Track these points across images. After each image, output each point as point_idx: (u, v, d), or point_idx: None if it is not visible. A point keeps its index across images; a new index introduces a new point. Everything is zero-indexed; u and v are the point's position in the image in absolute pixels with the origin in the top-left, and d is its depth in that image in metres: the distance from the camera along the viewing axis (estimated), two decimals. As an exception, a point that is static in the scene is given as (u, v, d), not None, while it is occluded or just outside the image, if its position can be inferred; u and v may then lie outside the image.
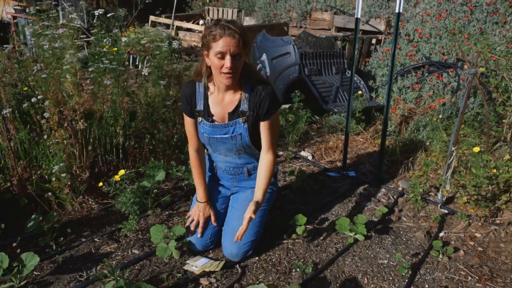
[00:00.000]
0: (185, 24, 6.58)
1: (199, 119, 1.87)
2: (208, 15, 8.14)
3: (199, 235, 1.92)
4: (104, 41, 2.17)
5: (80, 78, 2.25)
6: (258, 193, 1.84)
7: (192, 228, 1.94)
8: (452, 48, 3.97)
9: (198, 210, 1.97)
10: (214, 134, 1.85)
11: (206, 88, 1.84)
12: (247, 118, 1.80)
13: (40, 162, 2.31)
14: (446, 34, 4.14)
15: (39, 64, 1.99)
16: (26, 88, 2.45)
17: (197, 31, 6.39)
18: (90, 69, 2.08)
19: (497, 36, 3.89)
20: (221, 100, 1.83)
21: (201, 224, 1.93)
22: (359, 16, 2.57)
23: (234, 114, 1.82)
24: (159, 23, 6.55)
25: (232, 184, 2.03)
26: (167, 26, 6.55)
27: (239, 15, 7.66)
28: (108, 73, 2.12)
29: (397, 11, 2.34)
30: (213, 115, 1.84)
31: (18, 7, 8.52)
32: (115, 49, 2.17)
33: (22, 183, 2.21)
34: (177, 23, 6.58)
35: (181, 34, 6.41)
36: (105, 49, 2.10)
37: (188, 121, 1.91)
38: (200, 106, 1.84)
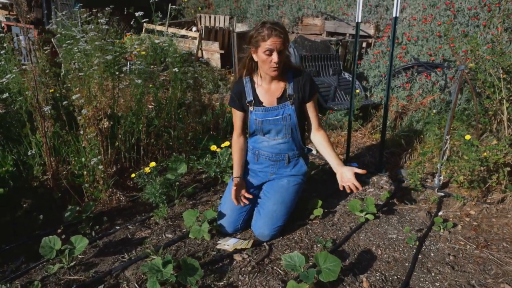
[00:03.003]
0: (179, 31, 6.78)
1: (251, 108, 2.12)
2: (200, 22, 8.35)
3: (248, 196, 2.09)
4: (135, 44, 2.37)
5: (104, 78, 2.43)
6: (334, 161, 2.09)
7: (241, 203, 2.09)
8: (439, 50, 4.29)
9: (234, 187, 2.08)
10: (267, 117, 2.10)
11: (253, 82, 2.12)
12: (294, 100, 2.09)
13: (70, 158, 2.47)
14: (432, 37, 4.47)
15: (77, 63, 2.16)
16: (52, 90, 2.61)
17: (190, 38, 6.61)
18: (124, 69, 2.27)
19: (478, 38, 4.23)
20: (268, 89, 2.11)
21: (243, 194, 2.09)
22: (359, 21, 2.84)
23: (282, 98, 2.10)
24: (153, 30, 6.72)
25: (271, 171, 2.23)
26: (161, 33, 6.73)
27: (231, 22, 7.90)
28: (140, 75, 2.31)
29: (394, 15, 2.62)
30: (262, 102, 2.11)
31: (9, 16, 8.55)
32: (143, 52, 2.37)
33: (56, 177, 2.36)
34: (171, 30, 6.77)
35: (175, 40, 6.60)
36: (136, 52, 2.29)
37: (236, 114, 2.20)
38: (250, 97, 2.11)
